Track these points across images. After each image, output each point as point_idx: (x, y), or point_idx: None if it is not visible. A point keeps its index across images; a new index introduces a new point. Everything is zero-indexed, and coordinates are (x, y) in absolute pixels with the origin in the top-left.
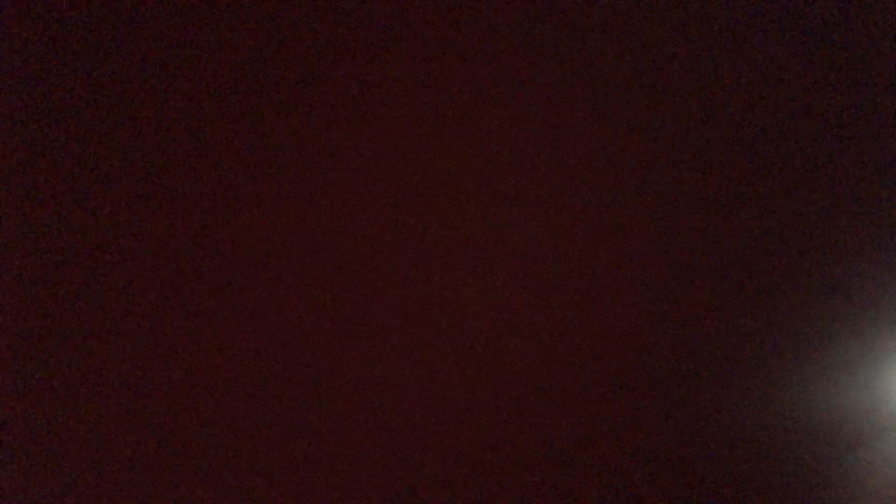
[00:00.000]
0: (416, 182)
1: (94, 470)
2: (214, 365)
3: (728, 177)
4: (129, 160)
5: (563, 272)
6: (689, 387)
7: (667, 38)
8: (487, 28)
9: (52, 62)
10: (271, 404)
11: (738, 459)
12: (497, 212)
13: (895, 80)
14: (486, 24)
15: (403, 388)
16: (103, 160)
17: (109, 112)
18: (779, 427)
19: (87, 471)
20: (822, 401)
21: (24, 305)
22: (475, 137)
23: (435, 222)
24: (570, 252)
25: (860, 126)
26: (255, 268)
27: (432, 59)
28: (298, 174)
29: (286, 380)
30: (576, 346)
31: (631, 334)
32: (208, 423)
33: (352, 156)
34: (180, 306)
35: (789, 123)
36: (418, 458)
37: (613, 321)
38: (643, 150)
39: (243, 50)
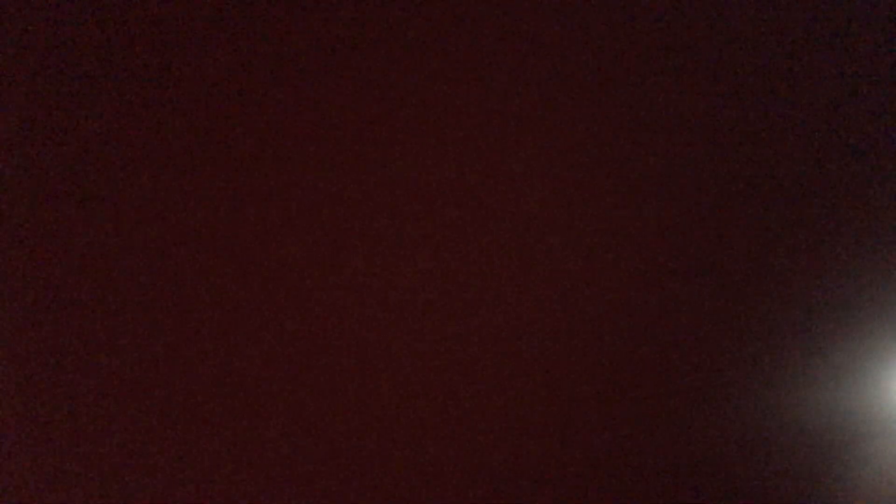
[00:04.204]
0: (418, 182)
1: (92, 470)
2: (216, 365)
3: (728, 177)
4: (129, 160)
5: (564, 274)
6: (689, 386)
7: (668, 37)
8: (489, 28)
9: (52, 61)
10: (274, 405)
11: (738, 459)
12: (500, 212)
13: (895, 80)
14: (487, 24)
15: (404, 389)
16: (104, 160)
17: (110, 111)
18: (779, 427)
19: (86, 470)
20: (822, 400)
21: (24, 306)
22: (477, 138)
23: (435, 224)
24: (572, 254)
25: (861, 126)
26: (257, 266)
27: (434, 59)
28: (301, 174)
29: (289, 380)
30: (575, 346)
31: (631, 335)
32: (208, 423)
33: (353, 155)
34: (179, 306)
35: (790, 123)
36: (420, 458)
37: (613, 322)
38: (644, 151)
39: (243, 49)
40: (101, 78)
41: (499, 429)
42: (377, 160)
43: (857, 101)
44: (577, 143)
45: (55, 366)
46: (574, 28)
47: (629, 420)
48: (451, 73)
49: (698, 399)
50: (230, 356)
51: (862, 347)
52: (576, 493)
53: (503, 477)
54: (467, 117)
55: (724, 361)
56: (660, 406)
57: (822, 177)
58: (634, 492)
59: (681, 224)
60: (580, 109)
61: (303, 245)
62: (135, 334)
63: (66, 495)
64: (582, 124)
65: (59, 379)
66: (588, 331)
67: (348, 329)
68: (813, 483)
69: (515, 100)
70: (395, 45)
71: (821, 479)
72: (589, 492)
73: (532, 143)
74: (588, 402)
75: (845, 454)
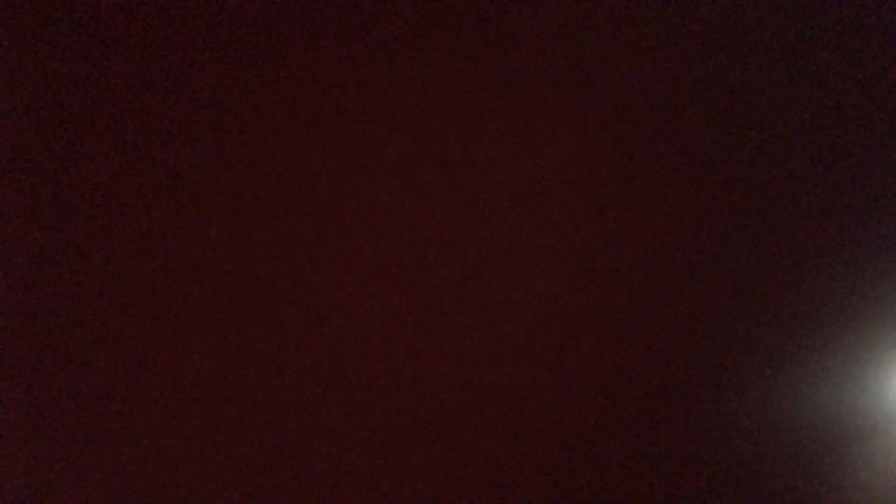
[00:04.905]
0: (418, 183)
1: (93, 469)
2: (215, 365)
3: (728, 177)
4: (131, 162)
5: (564, 274)
6: (688, 386)
7: (668, 37)
8: (489, 27)
9: (53, 63)
10: (272, 406)
11: (738, 458)
12: (499, 213)
13: (895, 80)
14: (487, 23)
15: (402, 389)
16: (106, 162)
17: (113, 114)
18: (778, 426)
19: (87, 470)
20: (822, 399)
21: (25, 306)
22: (477, 137)
23: (436, 224)
24: (572, 253)
25: (860, 126)
26: (258, 267)
27: (435, 58)
28: (301, 173)
29: (286, 381)
30: (576, 347)
31: (631, 335)
32: (206, 423)
33: (354, 155)
34: (179, 306)
35: (790, 123)
36: (417, 458)
37: (613, 322)
38: (644, 151)
39: (244, 48)
40: (102, 78)
41: (500, 429)
42: (377, 159)
43: (859, 101)
44: (580, 143)
45: (54, 365)
46: (575, 29)
47: (628, 419)
48: (452, 74)
49: (698, 398)
50: (230, 356)
51: (862, 346)
52: (576, 492)
53: (503, 476)
54: (467, 118)
55: (724, 361)
56: (659, 405)
57: (823, 177)
58: (633, 490)
59: (681, 224)
60: (582, 110)
61: (301, 245)
62: (134, 334)
63: (65, 494)
64: (584, 124)
65: (57, 379)
66: (590, 330)
67: (347, 329)
68: (813, 481)
69: (516, 101)
70: (397, 45)
71: (821, 477)
72: (589, 492)
73: (532, 144)
74: (589, 401)
75: (846, 453)
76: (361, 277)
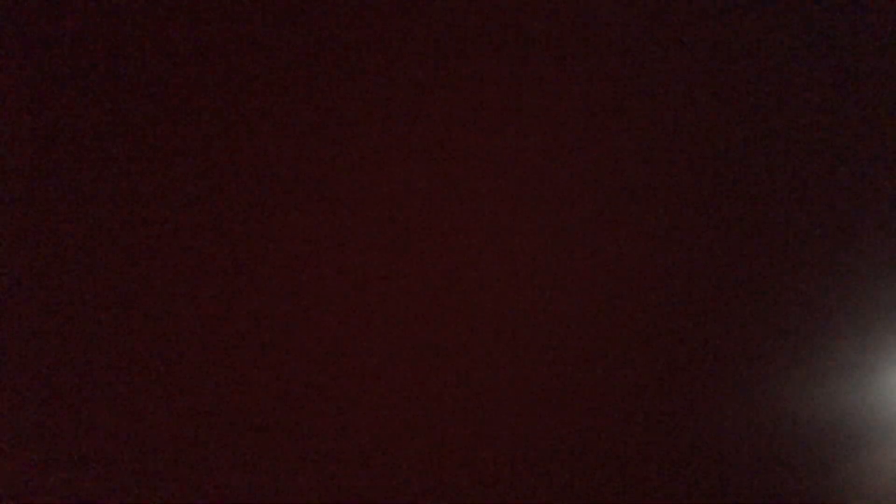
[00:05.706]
0: (420, 181)
1: (95, 468)
2: (218, 365)
3: (729, 176)
4: (130, 158)
5: (565, 272)
6: (688, 386)
7: (669, 37)
8: (491, 27)
9: (53, 61)
10: (275, 404)
11: (738, 460)
12: (501, 211)
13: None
14: (489, 23)
15: (404, 388)
16: (105, 159)
17: (112, 110)
18: (779, 428)
19: (89, 469)
20: (823, 402)
21: (25, 302)
22: (479, 136)
23: (437, 222)
24: (573, 252)
25: (861, 125)
26: (260, 264)
27: (437, 58)
28: (302, 171)
29: (289, 379)
30: (576, 346)
31: (630, 335)
32: (209, 422)
33: (355, 152)
34: (180, 305)
35: (790, 122)
36: (418, 457)
37: (613, 321)
38: (645, 150)
39: (244, 46)
40: (101, 76)
41: (502, 430)
42: (381, 158)
43: (858, 102)
44: (581, 143)
45: (55, 363)
46: (574, 31)
47: (628, 420)
48: (456, 73)
49: (697, 399)
50: (233, 358)
51: (863, 346)
52: (576, 490)
53: (507, 477)
54: (472, 116)
55: (724, 362)
56: (660, 405)
57: (823, 175)
58: (635, 490)
59: (683, 223)
60: (587, 110)
61: (304, 245)
62: (134, 333)
63: (64, 493)
64: (587, 124)
65: (57, 376)
66: (592, 330)
67: (350, 329)
68: (814, 482)
69: (521, 102)
70: (399, 45)
71: (822, 477)
72: (592, 491)
73: (534, 144)
74: (592, 402)
75: (846, 456)
76: (363, 276)
